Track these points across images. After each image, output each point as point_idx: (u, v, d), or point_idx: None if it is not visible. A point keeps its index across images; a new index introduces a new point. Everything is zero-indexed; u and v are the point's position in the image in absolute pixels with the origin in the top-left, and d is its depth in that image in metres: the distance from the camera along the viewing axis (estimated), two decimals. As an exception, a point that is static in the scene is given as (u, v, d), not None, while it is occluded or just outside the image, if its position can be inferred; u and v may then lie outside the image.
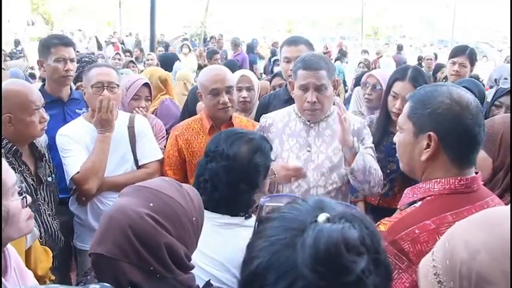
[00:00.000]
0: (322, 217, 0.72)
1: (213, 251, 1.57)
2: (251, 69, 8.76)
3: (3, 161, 1.26)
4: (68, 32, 19.83)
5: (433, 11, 39.82)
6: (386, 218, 1.29)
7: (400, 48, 15.39)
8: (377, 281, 0.73)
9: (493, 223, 0.82)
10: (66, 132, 2.39)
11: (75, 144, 2.36)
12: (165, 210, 1.14)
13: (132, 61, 7.02)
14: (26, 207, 1.36)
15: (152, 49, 9.96)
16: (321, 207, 0.76)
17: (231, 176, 1.60)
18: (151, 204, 1.13)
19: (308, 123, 2.26)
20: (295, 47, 2.83)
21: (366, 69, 7.73)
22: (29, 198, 1.39)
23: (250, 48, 12.83)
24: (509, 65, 6.34)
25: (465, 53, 3.70)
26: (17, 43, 14.85)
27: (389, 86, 2.55)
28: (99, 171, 2.32)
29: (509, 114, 2.08)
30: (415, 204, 1.30)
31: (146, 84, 2.94)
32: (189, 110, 3.14)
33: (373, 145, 2.33)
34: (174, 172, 2.50)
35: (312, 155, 2.22)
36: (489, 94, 3.47)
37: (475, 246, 0.79)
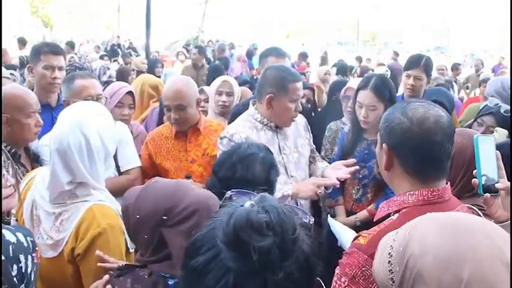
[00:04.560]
0: (247, 204, 0.82)
1: None
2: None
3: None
4: (67, 35, 19.82)
5: (431, 17, 39.83)
6: (365, 231, 1.31)
7: (396, 54, 15.45)
8: (292, 270, 0.80)
9: (462, 231, 0.86)
10: (47, 142, 2.44)
11: None
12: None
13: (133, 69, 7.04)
14: None
15: (147, 54, 10.03)
16: (259, 200, 0.86)
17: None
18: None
19: (275, 128, 2.32)
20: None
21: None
22: None
23: (249, 54, 12.48)
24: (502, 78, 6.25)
25: (420, 65, 3.26)
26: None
27: (355, 96, 2.62)
28: None
29: (467, 128, 2.10)
30: (392, 217, 1.32)
31: (130, 92, 2.95)
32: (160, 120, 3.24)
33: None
34: (144, 175, 2.60)
35: (289, 157, 2.32)
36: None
37: (428, 246, 0.85)
